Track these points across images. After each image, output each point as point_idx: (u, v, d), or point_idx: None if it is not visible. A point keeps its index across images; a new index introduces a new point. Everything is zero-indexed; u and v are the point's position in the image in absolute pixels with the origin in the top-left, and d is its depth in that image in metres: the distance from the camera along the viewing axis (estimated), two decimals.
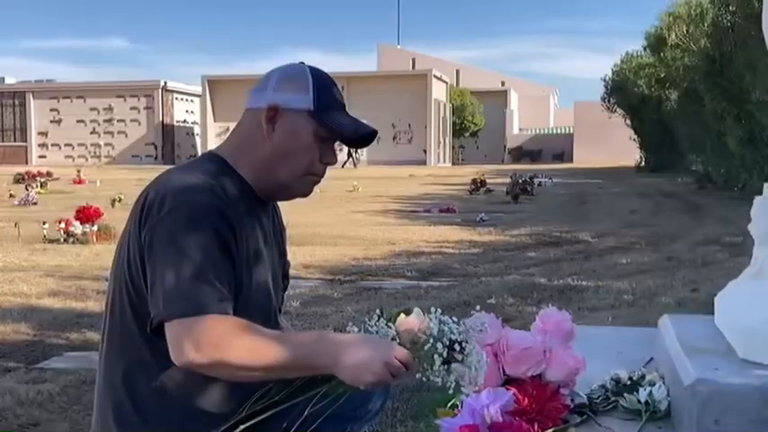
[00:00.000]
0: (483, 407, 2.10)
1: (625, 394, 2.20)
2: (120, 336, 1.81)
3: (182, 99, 48.28)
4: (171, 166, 1.98)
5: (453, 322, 1.76)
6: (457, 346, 1.72)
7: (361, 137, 1.94)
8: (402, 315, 1.95)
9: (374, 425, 2.75)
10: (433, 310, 1.80)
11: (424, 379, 1.72)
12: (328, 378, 1.92)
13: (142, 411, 1.78)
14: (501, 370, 2.16)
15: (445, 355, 1.72)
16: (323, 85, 1.89)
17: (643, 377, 2.27)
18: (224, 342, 1.66)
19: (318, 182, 1.97)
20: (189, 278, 1.67)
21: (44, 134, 46.67)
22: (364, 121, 1.95)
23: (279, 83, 1.89)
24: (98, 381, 1.87)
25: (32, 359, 4.43)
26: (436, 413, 2.36)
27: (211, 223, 1.72)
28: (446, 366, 1.72)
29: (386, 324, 1.88)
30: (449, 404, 2.48)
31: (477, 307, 2.03)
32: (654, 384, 2.22)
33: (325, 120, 1.87)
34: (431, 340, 1.72)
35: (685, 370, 2.07)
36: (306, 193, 1.95)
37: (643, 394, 2.18)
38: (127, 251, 1.78)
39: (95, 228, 9.77)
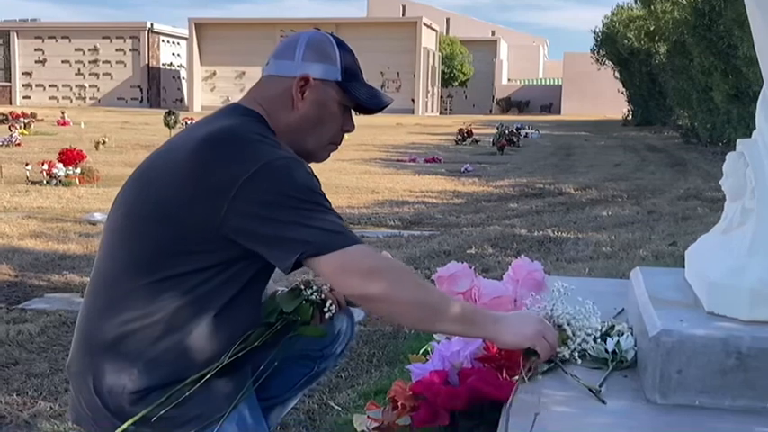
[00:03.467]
0: (453, 353, 2.14)
1: (593, 343, 2.24)
2: (122, 274, 1.81)
3: (168, 42, 47.71)
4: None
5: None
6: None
7: (380, 107, 2.01)
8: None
9: (339, 363, 2.84)
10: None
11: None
12: (304, 323, 1.99)
13: (131, 353, 1.79)
14: None
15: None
16: (348, 56, 1.95)
17: (612, 327, 2.31)
18: (392, 273, 1.77)
19: (336, 149, 2.04)
20: (329, 217, 1.74)
21: (28, 74, 46.12)
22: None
23: (307, 53, 1.91)
24: (84, 315, 1.88)
25: (13, 300, 4.46)
26: (409, 359, 2.40)
27: (309, 171, 1.79)
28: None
29: (317, 289, 2.02)
30: (421, 350, 2.53)
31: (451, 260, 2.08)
32: (622, 334, 2.26)
33: (352, 90, 1.94)
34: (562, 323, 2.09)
35: (651, 321, 2.11)
36: (324, 159, 2.01)
37: (610, 344, 2.21)
38: (179, 202, 1.76)
39: (78, 170, 9.76)
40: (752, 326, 2.04)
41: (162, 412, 1.77)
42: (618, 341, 2.22)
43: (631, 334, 2.26)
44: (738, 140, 2.35)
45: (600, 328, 2.18)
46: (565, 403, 1.96)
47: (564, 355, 2.07)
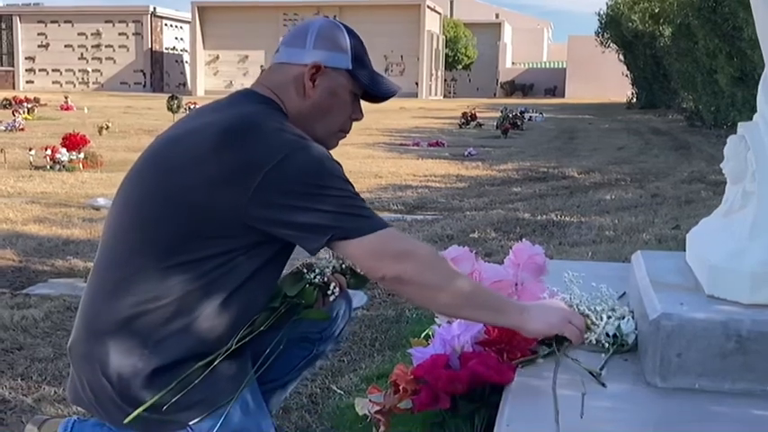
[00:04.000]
0: (454, 337, 2.15)
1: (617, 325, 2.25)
2: (134, 258, 1.80)
3: (171, 26, 47.57)
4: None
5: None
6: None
7: (389, 95, 2.03)
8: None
9: (339, 346, 2.86)
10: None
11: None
12: (307, 306, 2.00)
13: (141, 333, 1.79)
14: None
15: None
16: (358, 44, 1.97)
17: (614, 311, 2.32)
18: (423, 257, 1.82)
19: (345, 137, 2.05)
20: (356, 202, 1.78)
21: (32, 59, 46.03)
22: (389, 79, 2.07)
23: (317, 41, 1.93)
24: (90, 298, 1.87)
25: (18, 285, 4.47)
26: (411, 343, 2.41)
27: (330, 157, 1.82)
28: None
29: (320, 272, 2.03)
30: (422, 334, 2.54)
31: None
32: (623, 318, 2.27)
33: (362, 78, 1.96)
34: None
35: (652, 304, 2.12)
36: (333, 147, 2.01)
37: (611, 327, 2.22)
38: (200, 189, 1.76)
39: (82, 155, 9.75)
40: (752, 309, 2.05)
41: (172, 399, 1.78)
42: (619, 325, 2.23)
43: (632, 318, 2.27)
44: (739, 123, 2.35)
45: (621, 310, 2.20)
46: (566, 386, 1.97)
47: (592, 341, 2.09)
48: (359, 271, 2.15)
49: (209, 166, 1.75)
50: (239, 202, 1.72)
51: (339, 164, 1.82)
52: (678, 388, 1.99)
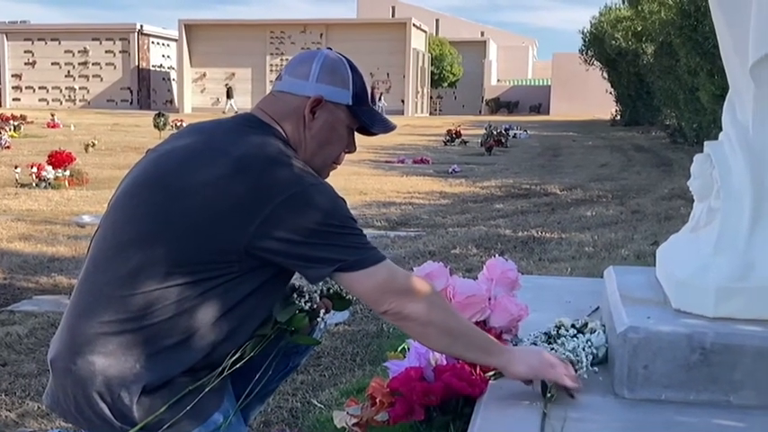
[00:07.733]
0: (428, 350, 2.21)
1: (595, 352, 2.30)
2: (131, 278, 1.80)
3: (158, 43, 47.68)
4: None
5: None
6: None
7: (385, 132, 2.08)
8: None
9: (310, 358, 2.90)
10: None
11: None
12: (294, 331, 2.04)
13: (133, 351, 1.80)
14: None
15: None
16: (359, 80, 2.01)
17: (585, 325, 2.38)
18: (427, 295, 1.90)
19: (336, 168, 2.10)
20: (359, 239, 1.85)
21: (18, 76, 46.04)
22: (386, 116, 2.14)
23: (321, 74, 1.96)
24: (77, 313, 1.86)
25: (2, 302, 4.50)
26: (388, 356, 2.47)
27: (336, 194, 1.87)
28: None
29: (310, 298, 2.07)
30: (399, 348, 2.60)
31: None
32: (594, 332, 2.33)
33: (361, 115, 2.01)
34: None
35: (620, 318, 2.19)
36: (326, 178, 2.05)
37: (582, 340, 2.28)
38: (209, 217, 1.78)
39: (68, 173, 9.77)
40: (716, 322, 2.12)
41: (164, 417, 1.80)
42: (589, 338, 2.29)
43: (603, 331, 2.33)
44: (706, 142, 2.44)
45: (594, 343, 2.24)
46: (535, 397, 2.03)
47: (584, 377, 2.11)
48: (345, 296, 2.18)
49: (217, 194, 1.79)
50: (243, 232, 1.77)
51: (344, 200, 1.88)
52: (645, 399, 2.05)
